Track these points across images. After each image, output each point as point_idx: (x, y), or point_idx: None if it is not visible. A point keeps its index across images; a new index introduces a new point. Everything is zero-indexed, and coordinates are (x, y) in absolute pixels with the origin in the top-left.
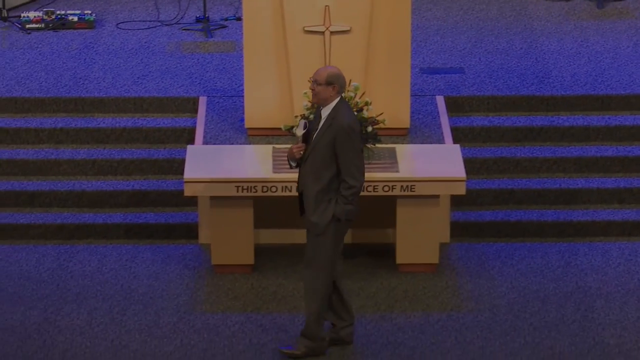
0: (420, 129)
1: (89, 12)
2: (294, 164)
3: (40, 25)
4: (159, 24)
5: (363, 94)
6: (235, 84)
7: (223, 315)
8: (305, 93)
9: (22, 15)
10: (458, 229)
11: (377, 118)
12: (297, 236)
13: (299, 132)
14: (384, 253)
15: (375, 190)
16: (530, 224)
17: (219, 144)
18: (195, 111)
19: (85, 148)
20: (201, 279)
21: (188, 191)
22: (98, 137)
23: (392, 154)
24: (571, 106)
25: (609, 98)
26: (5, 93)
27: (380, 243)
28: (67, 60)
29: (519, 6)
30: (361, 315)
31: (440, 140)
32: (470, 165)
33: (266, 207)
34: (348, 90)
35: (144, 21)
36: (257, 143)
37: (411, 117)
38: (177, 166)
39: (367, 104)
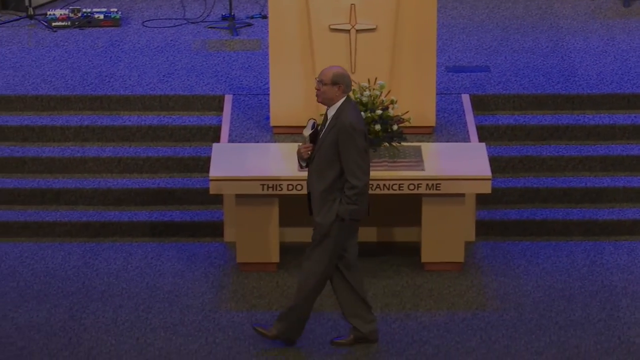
0: (446, 128)
1: (115, 9)
2: (303, 164)
3: (66, 23)
4: (185, 21)
5: (389, 92)
6: (261, 82)
7: (248, 313)
8: None
9: (49, 13)
10: (483, 228)
11: (402, 116)
12: None
13: (306, 132)
14: (410, 251)
15: (401, 188)
16: (555, 223)
17: (244, 142)
18: (221, 109)
19: (110, 146)
20: (226, 277)
21: (213, 189)
22: (124, 135)
23: (418, 152)
24: (597, 105)
25: (635, 96)
26: (32, 91)
27: (406, 241)
28: (93, 58)
29: (545, 4)
30: (386, 313)
31: (466, 139)
32: (496, 163)
33: (291, 205)
34: (373, 89)
35: (169, 19)
36: (283, 141)
37: (437, 115)
38: (202, 164)
39: (392, 102)
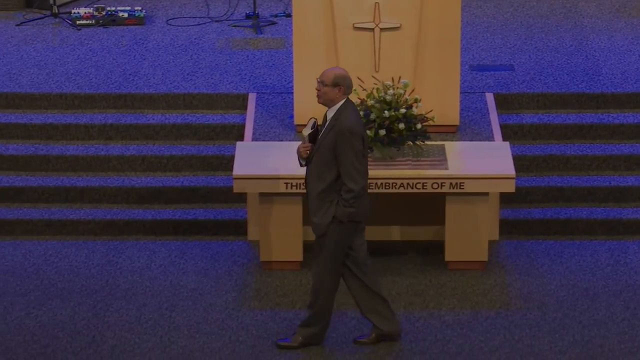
0: (470, 126)
1: (139, 8)
2: (303, 163)
3: (90, 22)
4: (209, 20)
5: (412, 90)
6: (285, 81)
7: (272, 311)
8: (355, 90)
9: (73, 11)
10: (507, 227)
11: (426, 115)
12: None
13: (306, 131)
14: (433, 250)
15: (425, 187)
16: (579, 222)
17: (268, 140)
18: (245, 108)
19: (134, 144)
20: (250, 275)
21: (237, 188)
22: (147, 133)
23: (442, 151)
24: (621, 103)
25: None
26: (56, 89)
27: (429, 240)
28: (117, 56)
29: (569, 3)
30: (409, 312)
31: (490, 138)
32: (520, 162)
33: None
34: (397, 87)
35: (193, 17)
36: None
37: (460, 114)
38: (226, 162)
39: (416, 101)
